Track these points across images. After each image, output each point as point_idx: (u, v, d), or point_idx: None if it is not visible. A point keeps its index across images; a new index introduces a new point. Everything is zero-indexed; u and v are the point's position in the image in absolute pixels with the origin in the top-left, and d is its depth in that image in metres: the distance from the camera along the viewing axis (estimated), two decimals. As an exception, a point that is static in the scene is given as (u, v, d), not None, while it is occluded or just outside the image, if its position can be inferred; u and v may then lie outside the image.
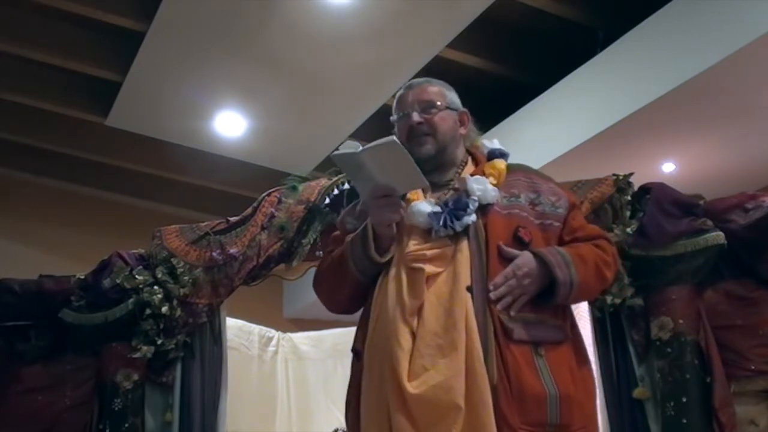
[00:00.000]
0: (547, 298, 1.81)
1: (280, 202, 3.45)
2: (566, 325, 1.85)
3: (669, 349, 2.80)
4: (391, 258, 1.88)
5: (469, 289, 1.77)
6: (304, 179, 3.59)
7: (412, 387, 1.70)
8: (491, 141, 2.09)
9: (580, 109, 5.33)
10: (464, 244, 1.83)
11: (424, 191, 1.95)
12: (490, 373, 1.68)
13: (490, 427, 1.64)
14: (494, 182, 1.93)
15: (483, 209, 1.88)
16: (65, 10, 5.23)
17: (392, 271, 1.86)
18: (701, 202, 3.02)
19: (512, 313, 1.75)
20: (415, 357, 1.73)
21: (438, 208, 1.87)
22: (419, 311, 1.78)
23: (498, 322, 1.74)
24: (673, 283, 2.88)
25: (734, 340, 2.82)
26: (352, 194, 3.46)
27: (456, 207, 1.86)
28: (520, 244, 1.85)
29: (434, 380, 1.69)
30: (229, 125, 6.29)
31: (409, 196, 1.94)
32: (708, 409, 2.71)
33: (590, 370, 1.91)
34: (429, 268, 1.81)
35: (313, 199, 3.42)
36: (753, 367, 2.76)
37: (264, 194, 3.50)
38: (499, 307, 1.75)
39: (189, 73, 5.63)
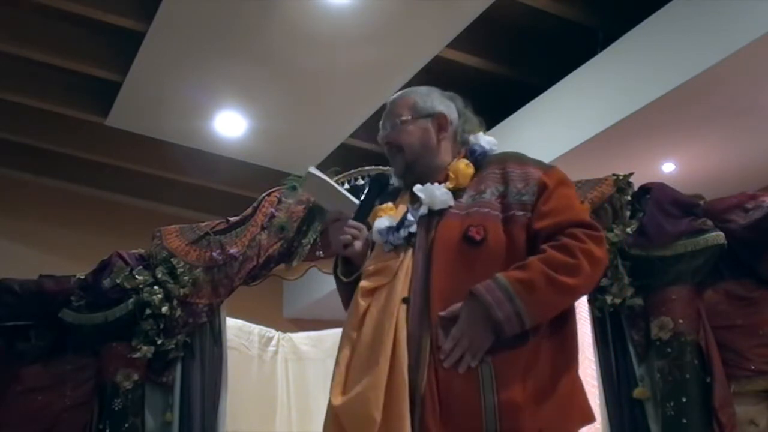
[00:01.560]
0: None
1: (280, 202, 3.45)
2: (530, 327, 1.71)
3: (669, 349, 2.80)
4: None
5: (406, 300, 1.75)
6: (304, 179, 3.59)
7: (339, 400, 1.74)
8: (476, 137, 2.02)
9: (580, 109, 5.33)
10: (409, 255, 1.82)
11: (413, 204, 1.93)
12: (419, 385, 1.66)
13: None
14: (451, 185, 1.89)
15: (440, 215, 1.85)
16: (65, 10, 5.23)
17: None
18: (701, 202, 3.03)
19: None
20: (350, 371, 1.77)
21: (394, 223, 1.88)
22: (360, 325, 1.80)
23: (436, 328, 1.70)
24: (673, 283, 2.88)
25: (734, 340, 2.82)
26: (351, 194, 3.47)
27: (402, 220, 1.87)
28: (471, 243, 1.76)
29: (355, 392, 1.71)
30: (229, 125, 6.29)
31: (379, 214, 1.96)
32: (708, 409, 2.71)
33: (565, 369, 1.75)
34: (369, 283, 1.83)
35: (313, 199, 3.42)
36: (753, 367, 2.76)
37: (264, 194, 3.51)
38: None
39: (189, 73, 5.63)
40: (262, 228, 3.39)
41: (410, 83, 5.79)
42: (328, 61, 5.50)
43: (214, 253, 3.32)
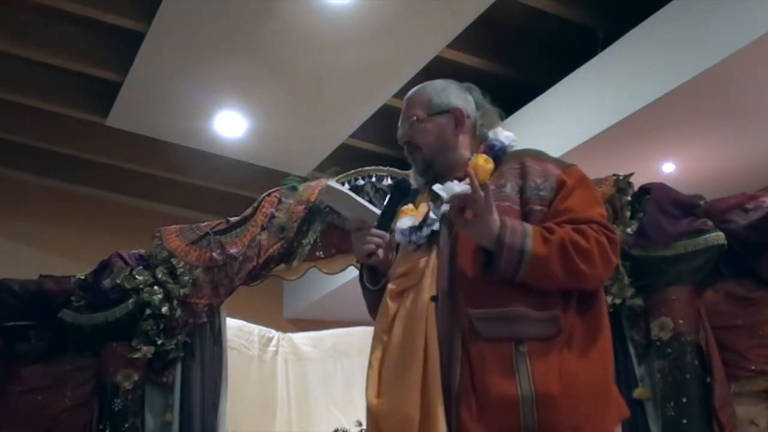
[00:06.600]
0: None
1: (280, 202, 3.45)
2: (560, 317, 1.69)
3: (669, 350, 2.80)
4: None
5: (434, 298, 1.74)
6: (304, 179, 3.60)
7: (375, 401, 1.75)
8: (495, 132, 1.99)
9: (580, 109, 5.33)
10: (434, 254, 1.81)
11: (434, 203, 1.89)
12: (453, 382, 1.65)
13: None
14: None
15: None
16: (65, 10, 5.22)
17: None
18: (701, 202, 3.03)
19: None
20: (383, 372, 1.78)
21: (417, 222, 1.86)
22: (391, 327, 1.80)
23: (467, 323, 1.69)
24: (673, 283, 2.88)
25: (734, 340, 2.82)
26: (353, 192, 3.47)
27: (424, 218, 1.85)
28: None
29: (392, 393, 1.72)
30: (229, 125, 6.29)
31: (400, 215, 1.94)
32: (708, 409, 2.71)
33: (597, 363, 1.73)
34: (397, 285, 1.84)
35: (313, 199, 3.42)
36: (753, 368, 2.77)
37: (264, 194, 3.51)
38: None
39: (189, 73, 5.63)
40: (262, 228, 3.40)
41: (410, 83, 5.79)
42: (328, 61, 5.50)
43: (214, 253, 3.33)
